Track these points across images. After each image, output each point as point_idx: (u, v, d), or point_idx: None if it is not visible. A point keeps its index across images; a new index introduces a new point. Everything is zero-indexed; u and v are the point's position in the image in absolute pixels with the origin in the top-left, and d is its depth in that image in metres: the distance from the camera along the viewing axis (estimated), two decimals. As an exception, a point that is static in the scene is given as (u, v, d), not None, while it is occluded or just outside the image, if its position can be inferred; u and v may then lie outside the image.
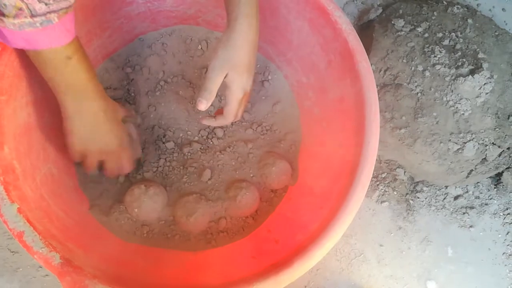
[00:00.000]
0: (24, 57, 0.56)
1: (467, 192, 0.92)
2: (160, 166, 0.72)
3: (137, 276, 0.57)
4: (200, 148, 0.74)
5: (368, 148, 0.58)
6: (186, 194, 0.70)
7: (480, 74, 0.80)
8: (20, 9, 0.42)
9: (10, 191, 0.49)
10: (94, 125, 0.58)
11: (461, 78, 0.80)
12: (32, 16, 0.43)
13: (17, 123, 0.56)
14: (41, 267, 0.75)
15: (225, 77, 0.59)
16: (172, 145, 0.73)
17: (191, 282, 0.58)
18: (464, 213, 0.91)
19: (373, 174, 0.89)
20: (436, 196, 0.91)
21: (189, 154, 0.73)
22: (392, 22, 0.87)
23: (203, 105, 0.60)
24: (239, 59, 0.57)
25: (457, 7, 0.89)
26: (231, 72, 0.58)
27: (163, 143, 0.73)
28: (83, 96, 0.55)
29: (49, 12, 0.44)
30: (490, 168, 0.86)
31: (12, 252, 0.75)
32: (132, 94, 0.75)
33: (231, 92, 0.60)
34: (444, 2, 0.93)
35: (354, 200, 0.56)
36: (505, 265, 0.90)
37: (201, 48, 0.80)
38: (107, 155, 0.62)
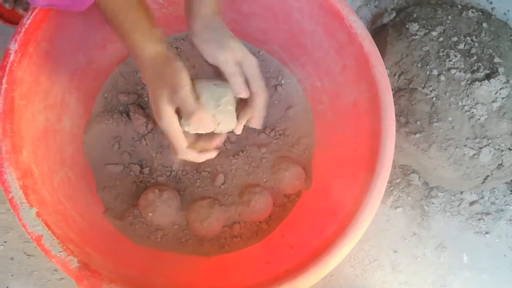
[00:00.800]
0: (42, 62, 0.57)
1: (482, 198, 0.91)
2: (174, 171, 0.72)
3: (151, 281, 0.57)
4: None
5: (384, 153, 0.57)
6: (199, 198, 0.70)
7: (496, 78, 0.79)
8: None
9: (29, 195, 0.50)
10: (155, 68, 0.50)
11: (477, 82, 0.79)
12: None
13: (35, 127, 0.57)
14: (56, 270, 0.75)
15: None
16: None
17: (204, 286, 0.58)
18: (479, 219, 0.90)
19: (387, 179, 0.89)
20: (451, 201, 0.90)
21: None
22: (406, 26, 0.86)
23: (244, 93, 0.54)
24: (210, 37, 0.53)
25: (472, 11, 0.89)
26: (212, 52, 0.53)
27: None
28: (144, 36, 0.49)
29: None
30: (506, 174, 0.85)
31: (27, 255, 0.76)
32: (146, 99, 0.76)
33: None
34: (459, 6, 0.92)
35: (370, 206, 0.56)
36: (522, 272, 0.89)
37: None
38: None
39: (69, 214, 0.57)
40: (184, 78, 0.48)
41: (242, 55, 0.52)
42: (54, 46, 0.58)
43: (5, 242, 0.77)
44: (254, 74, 0.53)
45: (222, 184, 0.72)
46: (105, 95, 0.74)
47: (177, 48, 0.79)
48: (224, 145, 0.75)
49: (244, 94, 0.53)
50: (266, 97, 0.55)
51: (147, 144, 0.72)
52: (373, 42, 0.62)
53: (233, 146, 0.75)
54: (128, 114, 0.73)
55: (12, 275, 0.75)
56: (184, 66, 0.49)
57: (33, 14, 0.54)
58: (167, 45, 0.51)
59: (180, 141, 0.50)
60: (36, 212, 0.49)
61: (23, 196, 0.49)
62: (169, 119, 0.49)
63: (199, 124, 0.50)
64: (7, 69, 0.52)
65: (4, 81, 0.52)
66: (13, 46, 0.53)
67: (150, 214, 0.66)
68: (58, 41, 0.59)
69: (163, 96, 0.48)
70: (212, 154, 0.55)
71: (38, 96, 0.57)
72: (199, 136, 0.54)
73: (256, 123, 0.57)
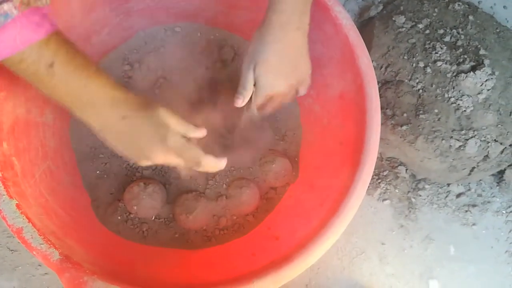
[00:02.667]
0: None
1: (469, 189, 0.92)
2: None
3: (136, 274, 0.57)
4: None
5: (369, 144, 0.57)
6: (185, 191, 0.70)
7: (481, 70, 0.79)
8: None
9: (9, 187, 0.49)
10: (128, 133, 0.45)
11: (463, 74, 0.80)
12: None
13: (16, 119, 0.56)
14: (40, 265, 0.75)
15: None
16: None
17: (190, 279, 0.58)
18: (466, 211, 0.90)
19: (374, 172, 0.90)
20: (438, 194, 0.90)
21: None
22: (393, 18, 0.86)
23: (239, 101, 0.58)
24: (266, 55, 0.54)
25: (458, 4, 0.89)
26: (257, 68, 0.55)
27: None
28: (95, 107, 0.43)
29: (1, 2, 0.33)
30: (493, 165, 0.85)
31: (11, 250, 0.75)
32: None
33: (256, 86, 0.57)
34: (445, -1, 0.92)
35: (355, 196, 0.56)
36: (508, 263, 0.89)
37: (201, 46, 0.79)
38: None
39: (51, 207, 0.56)
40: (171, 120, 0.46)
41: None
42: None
43: (-12, 237, 0.76)
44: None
45: (209, 177, 0.72)
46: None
47: (162, 40, 0.78)
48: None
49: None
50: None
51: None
52: (359, 33, 0.62)
53: (220, 139, 0.75)
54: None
55: (-4, 271, 0.74)
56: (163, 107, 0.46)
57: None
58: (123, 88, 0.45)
59: (195, 151, 0.49)
60: (16, 204, 0.48)
61: (3, 188, 0.48)
62: (169, 154, 0.47)
63: (211, 163, 0.50)
64: (-15, 59, 0.51)
65: (-18, 72, 0.51)
66: (-8, 36, 0.52)
67: (135, 207, 0.65)
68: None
69: (156, 148, 0.46)
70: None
71: (19, 88, 0.56)
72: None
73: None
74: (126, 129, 0.45)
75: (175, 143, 0.47)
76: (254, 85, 0.57)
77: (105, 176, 0.69)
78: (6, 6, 0.33)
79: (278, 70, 0.55)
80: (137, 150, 0.47)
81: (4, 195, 0.48)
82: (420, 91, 0.81)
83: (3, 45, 0.35)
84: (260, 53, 0.54)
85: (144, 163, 0.48)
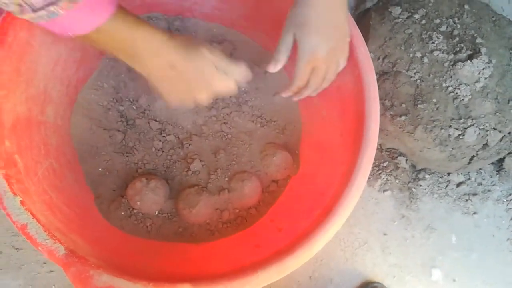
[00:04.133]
0: (22, 51, 0.56)
1: (469, 178, 0.92)
2: (162, 160, 0.72)
3: (141, 267, 0.57)
4: (200, 142, 0.74)
5: (369, 132, 0.58)
6: (188, 186, 0.70)
7: (478, 59, 0.80)
8: (20, 5, 0.40)
9: (12, 184, 0.49)
10: (176, 80, 0.51)
11: (460, 63, 0.80)
12: (33, 11, 0.40)
13: (18, 118, 0.56)
14: (45, 263, 0.75)
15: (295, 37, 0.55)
16: (172, 138, 0.73)
17: (194, 272, 0.58)
18: (467, 200, 0.91)
19: (374, 163, 0.90)
20: (439, 183, 0.91)
21: (189, 146, 0.73)
22: (389, 9, 0.87)
23: (272, 67, 0.58)
24: (306, 18, 0.53)
25: (453, -6, 0.89)
26: (297, 31, 0.54)
27: (164, 136, 0.73)
28: (147, 56, 0.49)
29: (47, 5, 0.40)
30: (492, 154, 0.86)
31: (16, 249, 0.75)
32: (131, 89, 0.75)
33: (298, 53, 0.55)
34: (441, -11, 0.92)
35: (356, 186, 0.56)
36: (510, 251, 0.90)
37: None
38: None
39: (55, 204, 0.56)
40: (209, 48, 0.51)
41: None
42: (34, 36, 0.57)
43: (-7, 237, 0.76)
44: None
45: (211, 172, 0.72)
46: (92, 85, 0.73)
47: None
48: (211, 133, 0.75)
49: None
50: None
51: (136, 134, 0.72)
52: (355, 24, 0.62)
53: (221, 133, 0.75)
54: (114, 106, 0.72)
55: (1, 269, 0.75)
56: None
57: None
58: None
59: (224, 59, 0.52)
60: (21, 200, 0.48)
61: (7, 185, 0.48)
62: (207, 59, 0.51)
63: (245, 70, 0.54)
64: (-15, 58, 0.51)
65: (-17, 71, 0.51)
66: (-9, 36, 0.52)
67: (138, 203, 0.66)
68: (38, 31, 0.58)
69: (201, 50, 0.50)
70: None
71: (19, 86, 0.56)
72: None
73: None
74: (174, 76, 0.51)
75: (220, 81, 0.52)
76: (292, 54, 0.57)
77: (108, 173, 0.69)
78: (51, 8, 0.40)
79: (319, 31, 0.54)
80: (184, 94, 0.53)
81: (8, 192, 0.48)
82: (418, 81, 0.81)
83: (66, 28, 0.43)
84: (300, 16, 0.53)
85: (189, 105, 0.54)
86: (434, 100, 0.80)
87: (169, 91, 0.53)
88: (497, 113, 0.82)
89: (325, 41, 0.55)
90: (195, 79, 0.51)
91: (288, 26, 0.55)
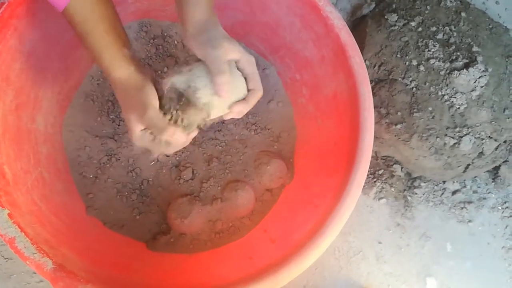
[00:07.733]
0: (12, 60, 0.56)
1: (464, 186, 0.92)
2: (154, 167, 0.71)
3: (132, 279, 0.56)
4: (193, 149, 0.73)
5: (363, 144, 0.57)
6: (180, 195, 0.69)
7: (474, 67, 0.79)
8: None
9: (0, 196, 0.48)
10: (124, 100, 0.51)
11: (456, 71, 0.79)
12: None
13: (7, 126, 0.55)
14: (35, 272, 0.74)
15: None
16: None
17: (186, 284, 0.57)
18: (462, 208, 0.90)
19: (370, 171, 0.90)
20: (434, 191, 0.90)
21: (181, 153, 0.72)
22: (386, 17, 0.86)
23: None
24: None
25: (450, 1, 0.89)
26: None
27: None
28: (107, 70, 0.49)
29: None
30: (487, 162, 0.85)
31: (5, 258, 0.74)
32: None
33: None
34: (437, -4, 0.92)
35: (350, 197, 0.55)
36: (505, 259, 0.90)
37: (166, 41, 0.78)
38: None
39: (44, 215, 0.55)
40: (152, 100, 0.48)
41: (238, 54, 0.51)
42: (24, 44, 0.56)
43: (-18, 246, 0.75)
44: (252, 72, 0.52)
45: (204, 181, 0.71)
46: (83, 93, 0.72)
47: (146, 32, 0.76)
48: (205, 142, 0.74)
49: (223, 95, 0.51)
50: (261, 95, 0.54)
51: (129, 142, 0.71)
52: (350, 32, 0.62)
53: (214, 142, 0.75)
54: (105, 113, 0.71)
55: (-10, 279, 0.74)
56: (152, 88, 0.49)
57: (1, 10, 0.52)
58: (136, 66, 0.50)
59: (160, 120, 0.49)
60: (8, 213, 0.48)
61: (-6, 197, 0.47)
62: (140, 132, 0.49)
63: (173, 137, 0.49)
64: (-26, 67, 0.50)
65: (-29, 79, 0.50)
66: (-20, 44, 0.51)
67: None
68: (28, 39, 0.57)
69: (133, 116, 0.49)
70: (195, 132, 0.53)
71: (9, 95, 0.56)
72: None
73: (241, 115, 0.56)
74: (123, 96, 0.50)
75: (149, 120, 0.49)
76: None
77: (99, 181, 0.68)
78: None
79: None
80: (129, 115, 0.50)
81: (-5, 204, 0.47)
82: (414, 89, 0.81)
83: None
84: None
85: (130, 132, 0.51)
86: (430, 109, 0.80)
87: (121, 104, 0.51)
88: (493, 122, 0.81)
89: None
90: (135, 106, 0.49)
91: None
